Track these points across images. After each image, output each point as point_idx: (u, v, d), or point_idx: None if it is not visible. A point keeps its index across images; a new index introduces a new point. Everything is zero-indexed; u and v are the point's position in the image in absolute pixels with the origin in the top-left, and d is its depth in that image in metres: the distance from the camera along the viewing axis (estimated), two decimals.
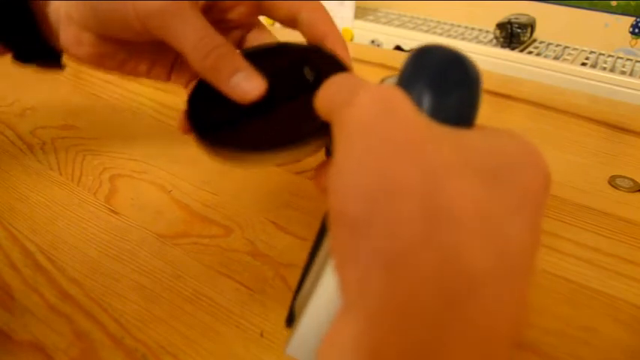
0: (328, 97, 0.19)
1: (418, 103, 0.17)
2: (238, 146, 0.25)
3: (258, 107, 0.26)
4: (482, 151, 0.16)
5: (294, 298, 0.21)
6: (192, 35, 0.25)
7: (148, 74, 0.33)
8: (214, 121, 0.26)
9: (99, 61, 0.30)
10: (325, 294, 0.18)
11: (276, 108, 0.26)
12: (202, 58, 0.25)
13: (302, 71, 0.27)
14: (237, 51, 0.27)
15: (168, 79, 0.33)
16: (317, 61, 0.28)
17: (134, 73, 0.32)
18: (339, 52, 0.28)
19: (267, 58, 0.29)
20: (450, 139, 0.16)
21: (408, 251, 0.14)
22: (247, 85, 0.25)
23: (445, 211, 0.14)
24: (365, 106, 0.16)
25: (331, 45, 0.29)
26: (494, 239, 0.14)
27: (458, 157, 0.15)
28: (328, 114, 0.19)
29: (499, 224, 0.15)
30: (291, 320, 0.21)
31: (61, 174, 0.39)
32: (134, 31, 0.26)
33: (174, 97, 0.53)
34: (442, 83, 0.17)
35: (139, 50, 0.31)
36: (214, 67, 0.25)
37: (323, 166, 0.24)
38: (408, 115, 0.15)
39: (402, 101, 0.16)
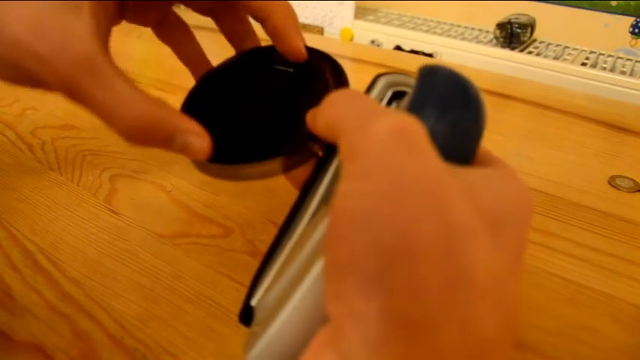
0: (333, 115, 0.18)
1: (431, 131, 0.17)
2: (221, 159, 0.24)
3: (248, 115, 0.26)
4: (488, 200, 0.15)
5: (252, 292, 0.20)
6: (110, 103, 0.20)
7: None
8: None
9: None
10: (306, 307, 0.16)
11: (265, 113, 0.26)
12: (128, 134, 0.21)
13: (278, 70, 0.28)
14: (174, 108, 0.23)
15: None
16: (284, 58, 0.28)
17: None
18: (292, 37, 0.27)
19: (246, 64, 0.29)
20: (463, 186, 0.15)
21: (428, 320, 0.13)
22: (191, 146, 0.22)
23: (464, 277, 0.13)
24: (382, 139, 0.14)
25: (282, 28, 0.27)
26: (502, 305, 0.14)
27: (472, 209, 0.14)
28: (332, 133, 0.17)
29: (504, 286, 0.15)
30: (247, 317, 0.20)
31: (61, 174, 0.39)
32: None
33: (175, 97, 0.53)
34: (453, 113, 0.17)
35: None
36: (144, 139, 0.21)
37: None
38: (429, 157, 0.14)
39: (422, 137, 0.15)
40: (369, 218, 0.14)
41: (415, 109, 0.17)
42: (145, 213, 0.36)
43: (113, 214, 0.35)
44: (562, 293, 0.30)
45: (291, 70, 0.28)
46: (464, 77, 0.18)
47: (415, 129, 0.15)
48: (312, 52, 0.28)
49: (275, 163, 0.23)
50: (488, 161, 0.18)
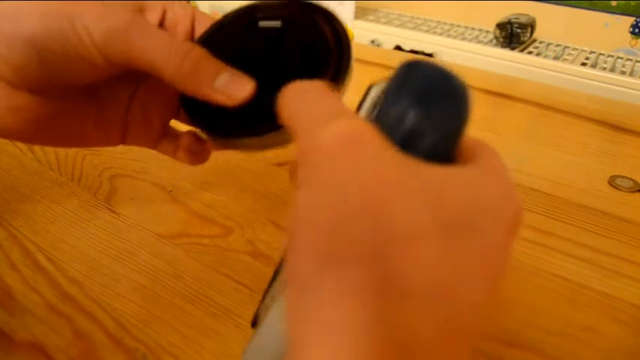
0: (289, 113, 0.18)
1: (401, 122, 0.16)
2: (222, 133, 0.25)
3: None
4: (453, 201, 0.15)
5: (262, 301, 0.21)
6: (161, 44, 0.23)
7: (98, 140, 0.28)
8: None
9: (38, 131, 0.25)
10: (280, 311, 0.17)
11: (262, 80, 0.24)
12: (178, 65, 0.23)
13: (264, 28, 0.26)
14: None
15: (122, 140, 0.29)
16: (270, 11, 0.26)
17: (79, 141, 0.28)
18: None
19: (228, 30, 0.27)
20: (420, 186, 0.15)
21: (347, 324, 0.13)
22: (234, 84, 0.23)
23: (396, 283, 0.13)
24: (329, 147, 0.15)
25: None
26: (443, 308, 0.14)
27: (426, 211, 0.14)
28: (289, 126, 0.18)
29: (452, 290, 0.14)
30: (256, 322, 0.21)
31: (61, 174, 0.39)
32: (91, 65, 0.23)
33: None
34: (430, 104, 0.17)
35: (84, 107, 0.27)
36: (194, 72, 0.23)
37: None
38: (374, 162, 0.14)
39: (370, 142, 0.15)
40: (309, 225, 0.14)
41: (390, 99, 0.17)
42: (145, 213, 0.36)
43: (113, 214, 0.35)
44: (562, 293, 0.30)
45: (278, 24, 0.26)
46: (447, 70, 0.17)
47: (363, 134, 0.15)
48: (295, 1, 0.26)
49: (275, 136, 0.23)
50: (473, 155, 0.17)
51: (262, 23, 0.26)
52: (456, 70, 0.17)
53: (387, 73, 0.18)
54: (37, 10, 0.22)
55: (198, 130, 0.28)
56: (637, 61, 0.97)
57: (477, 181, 0.16)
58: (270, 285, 0.21)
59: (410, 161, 0.15)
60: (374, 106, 0.20)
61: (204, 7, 1.26)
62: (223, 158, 0.30)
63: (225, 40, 0.26)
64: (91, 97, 0.27)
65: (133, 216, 0.35)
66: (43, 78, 0.23)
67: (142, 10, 0.27)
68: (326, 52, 0.23)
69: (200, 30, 0.28)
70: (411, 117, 0.16)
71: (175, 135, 0.30)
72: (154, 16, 0.27)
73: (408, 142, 0.16)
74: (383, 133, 0.16)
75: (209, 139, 0.27)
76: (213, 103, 0.24)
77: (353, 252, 0.13)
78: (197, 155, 0.29)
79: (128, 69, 0.24)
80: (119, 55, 0.23)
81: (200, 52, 0.23)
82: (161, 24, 0.28)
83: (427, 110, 0.17)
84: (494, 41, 1.02)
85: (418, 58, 0.18)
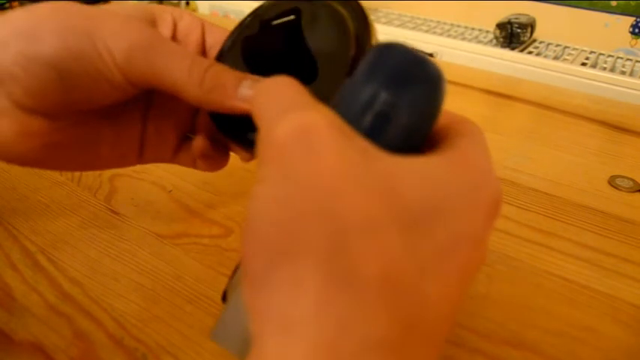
0: (256, 106, 0.17)
1: (371, 104, 0.16)
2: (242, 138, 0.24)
3: None
4: (412, 193, 0.14)
5: (232, 276, 0.21)
6: (182, 62, 0.22)
7: (114, 162, 0.28)
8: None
9: (50, 157, 0.24)
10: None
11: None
12: (200, 81, 0.22)
13: (279, 26, 0.25)
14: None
15: (138, 159, 0.28)
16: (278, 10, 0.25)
17: (94, 165, 0.27)
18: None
19: (245, 38, 0.26)
20: (372, 177, 0.14)
21: (303, 319, 0.13)
22: None
23: (348, 277, 0.13)
24: (283, 143, 0.15)
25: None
26: (405, 305, 0.13)
27: (381, 204, 0.14)
28: (256, 124, 0.17)
29: (415, 286, 0.14)
30: (225, 297, 0.21)
31: (61, 174, 0.39)
32: (111, 86, 0.22)
33: None
34: (403, 86, 0.16)
35: (100, 130, 0.26)
36: (216, 87, 0.22)
37: None
38: (327, 155, 0.14)
39: (324, 135, 0.14)
40: (261, 220, 0.14)
41: (362, 79, 0.17)
42: (145, 213, 0.36)
43: (113, 214, 0.35)
44: (562, 293, 0.30)
45: (292, 17, 0.25)
46: (422, 55, 0.17)
47: (317, 126, 0.15)
48: None
49: None
50: (447, 140, 0.17)
51: (275, 22, 0.25)
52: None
53: None
54: (56, 26, 0.21)
55: (233, 144, 0.27)
56: (637, 61, 0.97)
57: (437, 171, 0.15)
58: (240, 263, 0.21)
59: (364, 152, 0.15)
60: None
61: (204, 7, 1.26)
62: None
63: (245, 49, 0.26)
64: (107, 119, 0.26)
65: (133, 216, 0.35)
66: (60, 100, 0.22)
67: (154, 22, 0.26)
68: (346, 30, 0.22)
69: (210, 40, 0.28)
70: (382, 98, 0.16)
71: (191, 145, 0.29)
72: (166, 29, 0.26)
73: (376, 126, 0.16)
74: (350, 116, 0.16)
75: (243, 150, 0.27)
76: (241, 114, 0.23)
77: (305, 248, 0.13)
78: (214, 160, 0.29)
79: (146, 89, 0.23)
80: (140, 75, 0.22)
81: (218, 66, 0.23)
82: (173, 36, 0.27)
83: (399, 92, 0.16)
84: (494, 41, 1.02)
85: (392, 42, 0.17)
